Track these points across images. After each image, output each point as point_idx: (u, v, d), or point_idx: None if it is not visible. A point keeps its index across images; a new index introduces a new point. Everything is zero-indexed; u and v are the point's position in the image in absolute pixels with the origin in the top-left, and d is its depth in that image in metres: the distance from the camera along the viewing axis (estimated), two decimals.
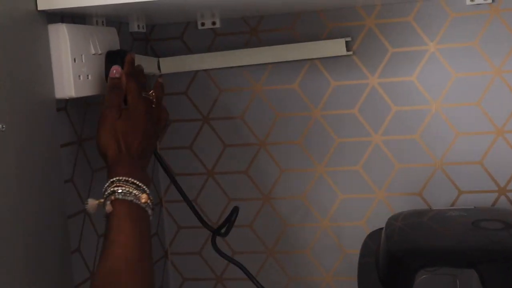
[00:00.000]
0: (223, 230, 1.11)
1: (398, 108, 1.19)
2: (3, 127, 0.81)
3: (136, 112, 0.93)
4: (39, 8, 0.89)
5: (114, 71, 0.95)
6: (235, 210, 1.10)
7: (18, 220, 0.83)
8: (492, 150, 1.16)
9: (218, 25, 1.21)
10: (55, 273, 0.92)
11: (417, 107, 1.18)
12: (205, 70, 1.25)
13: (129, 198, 0.86)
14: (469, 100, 1.16)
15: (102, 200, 0.88)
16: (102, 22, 1.04)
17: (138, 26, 1.16)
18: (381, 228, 1.02)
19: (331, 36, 1.20)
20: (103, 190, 0.88)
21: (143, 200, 0.87)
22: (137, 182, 0.88)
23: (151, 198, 0.89)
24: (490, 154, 1.16)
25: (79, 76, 0.93)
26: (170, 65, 1.24)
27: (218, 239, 1.12)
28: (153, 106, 0.97)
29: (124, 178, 0.87)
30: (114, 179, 0.87)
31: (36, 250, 0.87)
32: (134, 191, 0.87)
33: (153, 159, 1.27)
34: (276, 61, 1.21)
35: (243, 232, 1.27)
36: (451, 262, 0.89)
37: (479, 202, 1.17)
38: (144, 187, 0.88)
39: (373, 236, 1.07)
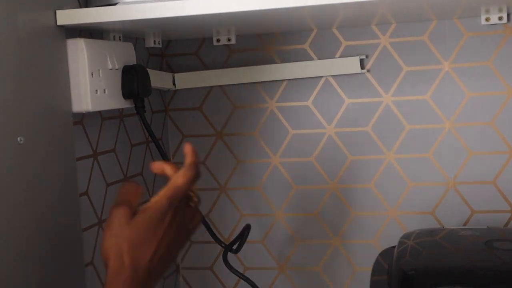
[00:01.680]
0: (234, 247, 1.11)
1: (412, 126, 1.19)
2: (21, 140, 0.82)
3: (153, 218, 0.73)
4: (58, 23, 0.90)
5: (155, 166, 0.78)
6: (247, 228, 1.11)
7: (33, 232, 0.84)
8: (506, 170, 1.16)
9: (233, 41, 1.22)
10: (69, 286, 0.92)
11: (430, 125, 1.18)
12: (220, 86, 1.26)
13: None
14: (483, 120, 1.16)
15: None
16: (119, 37, 1.05)
17: (154, 41, 1.18)
18: (393, 246, 1.02)
19: (345, 54, 1.20)
20: None
21: None
22: None
23: None
24: (503, 174, 1.16)
25: (96, 90, 0.94)
26: (185, 80, 1.25)
27: (230, 254, 1.12)
28: (190, 205, 0.78)
29: None
30: None
31: (50, 263, 0.87)
32: None
33: None
34: (290, 78, 1.22)
35: (255, 247, 1.27)
36: (463, 281, 0.89)
37: (492, 222, 1.17)
38: None
39: (385, 254, 1.07)
